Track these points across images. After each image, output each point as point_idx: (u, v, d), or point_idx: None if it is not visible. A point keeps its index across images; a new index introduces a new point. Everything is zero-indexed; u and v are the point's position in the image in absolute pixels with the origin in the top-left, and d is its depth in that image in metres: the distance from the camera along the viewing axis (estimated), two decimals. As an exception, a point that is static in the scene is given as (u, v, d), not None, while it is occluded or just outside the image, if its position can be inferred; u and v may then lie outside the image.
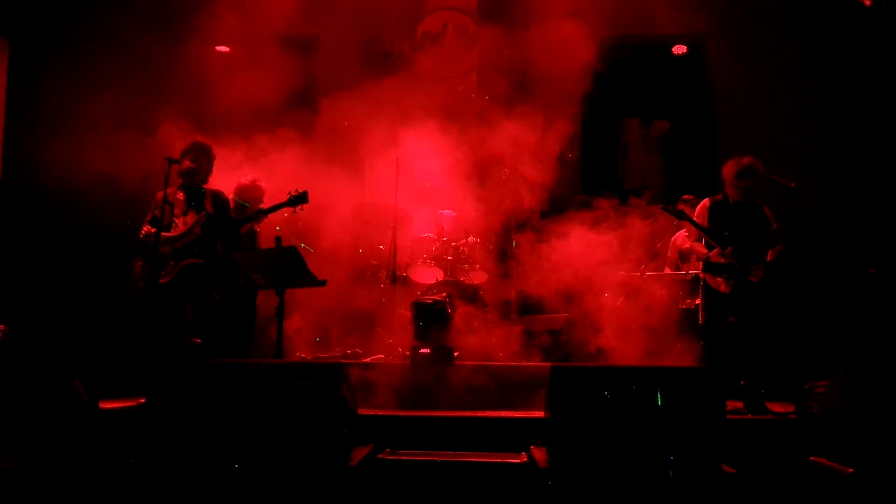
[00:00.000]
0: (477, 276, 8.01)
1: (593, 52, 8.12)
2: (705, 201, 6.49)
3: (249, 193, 6.99)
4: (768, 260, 6.19)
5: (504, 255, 8.46)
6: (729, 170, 6.32)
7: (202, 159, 6.27)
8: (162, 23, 8.65)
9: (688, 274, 7.35)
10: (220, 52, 8.80)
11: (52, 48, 8.58)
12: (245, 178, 7.07)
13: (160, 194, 6.04)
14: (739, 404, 6.02)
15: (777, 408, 5.94)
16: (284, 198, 6.13)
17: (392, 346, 7.39)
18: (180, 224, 6.22)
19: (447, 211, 8.31)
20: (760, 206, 6.33)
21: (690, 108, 9.77)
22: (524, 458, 4.76)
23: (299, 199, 6.02)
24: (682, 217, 6.35)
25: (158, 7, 8.95)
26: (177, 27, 8.44)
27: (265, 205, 6.70)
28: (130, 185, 7.56)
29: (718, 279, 6.26)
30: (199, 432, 4.20)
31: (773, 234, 6.31)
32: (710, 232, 6.27)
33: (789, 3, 9.14)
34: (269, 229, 6.99)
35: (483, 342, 7.45)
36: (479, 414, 5.74)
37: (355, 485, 4.27)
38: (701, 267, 6.50)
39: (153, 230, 5.94)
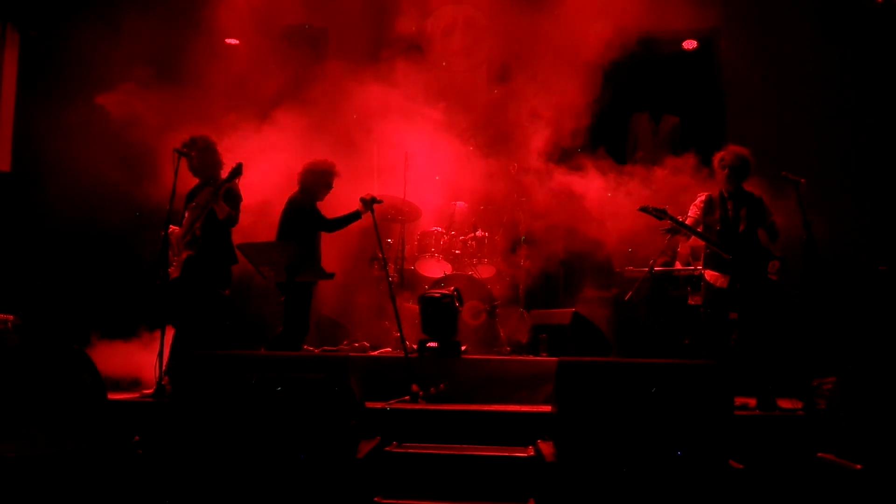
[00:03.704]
0: (485, 270, 8.01)
1: (603, 47, 8.10)
2: (702, 195, 6.45)
3: (312, 171, 7.03)
4: (777, 255, 6.16)
5: (513, 248, 8.46)
6: (714, 159, 6.32)
7: (198, 153, 6.32)
8: (172, 15, 8.66)
9: (696, 270, 7.32)
10: (230, 45, 8.81)
11: (63, 38, 8.59)
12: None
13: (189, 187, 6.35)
14: (749, 401, 6.00)
15: (785, 404, 5.93)
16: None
17: (399, 340, 7.40)
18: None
19: (460, 203, 8.31)
20: (759, 198, 6.26)
21: (700, 103, 9.71)
22: (531, 451, 4.77)
23: (235, 172, 6.08)
24: (664, 217, 6.26)
25: (169, -1, 8.98)
26: (187, 19, 8.45)
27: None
28: (139, 177, 7.59)
29: (716, 273, 6.23)
30: (208, 423, 4.22)
31: (772, 226, 6.24)
32: (691, 228, 6.23)
33: (800, -2, 9.11)
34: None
35: (490, 336, 7.46)
36: (487, 408, 5.74)
37: (362, 477, 4.28)
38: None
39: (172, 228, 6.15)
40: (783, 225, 6.32)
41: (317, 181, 6.97)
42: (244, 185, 6.39)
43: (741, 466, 4.17)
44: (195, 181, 6.45)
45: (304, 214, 6.82)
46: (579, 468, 4.10)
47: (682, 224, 6.21)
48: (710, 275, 6.26)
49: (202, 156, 6.33)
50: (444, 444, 5.06)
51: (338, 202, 7.22)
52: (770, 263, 6.11)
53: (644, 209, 6.30)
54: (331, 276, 6.69)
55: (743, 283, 6.09)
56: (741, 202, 6.22)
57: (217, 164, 6.43)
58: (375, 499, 4.51)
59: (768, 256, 6.14)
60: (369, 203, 6.77)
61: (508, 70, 8.99)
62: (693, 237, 6.54)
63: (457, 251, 7.95)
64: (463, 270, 7.84)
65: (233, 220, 6.21)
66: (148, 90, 7.94)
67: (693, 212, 6.36)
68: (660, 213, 6.25)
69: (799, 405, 5.81)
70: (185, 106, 7.67)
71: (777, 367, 6.21)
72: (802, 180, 6.09)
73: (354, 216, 6.91)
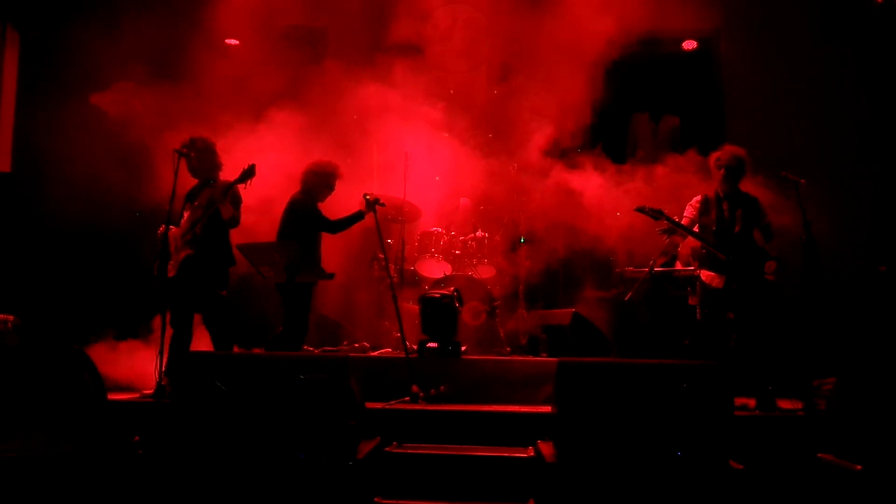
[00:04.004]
0: (485, 271, 8.00)
1: (604, 47, 8.10)
2: (698, 196, 6.45)
3: (314, 172, 7.00)
4: (773, 255, 6.17)
5: (513, 248, 8.45)
6: (710, 159, 6.33)
7: (198, 154, 6.33)
8: (172, 15, 8.66)
9: (696, 270, 7.32)
10: (229, 45, 8.81)
11: (63, 38, 8.59)
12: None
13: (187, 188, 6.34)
14: (749, 401, 5.99)
15: (785, 404, 5.93)
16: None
17: (399, 340, 7.40)
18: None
19: (464, 199, 8.32)
20: (755, 199, 6.28)
21: (700, 104, 9.71)
22: (531, 452, 4.77)
23: (248, 173, 6.06)
24: (660, 217, 6.25)
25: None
26: (186, 20, 8.45)
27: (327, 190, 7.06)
28: (139, 177, 7.59)
29: (712, 274, 6.23)
30: (208, 423, 4.22)
31: (767, 227, 6.25)
32: (687, 229, 6.22)
33: (800, -1, 9.12)
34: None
35: (490, 337, 7.46)
36: (487, 408, 5.74)
37: (362, 477, 4.28)
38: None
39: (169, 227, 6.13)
40: (784, 225, 6.32)
41: (319, 182, 6.96)
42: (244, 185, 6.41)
43: (741, 467, 4.16)
44: (193, 181, 6.44)
45: (305, 215, 6.81)
46: (579, 468, 4.09)
47: (678, 224, 6.21)
48: (706, 275, 6.26)
49: (201, 156, 6.33)
50: (444, 445, 5.05)
51: (337, 202, 7.22)
52: (767, 264, 6.12)
53: (640, 209, 6.30)
54: (331, 276, 6.70)
55: (739, 283, 6.10)
56: (737, 203, 6.23)
57: (216, 164, 6.43)
58: (375, 499, 4.50)
59: (764, 257, 6.15)
60: (372, 204, 6.75)
61: (508, 70, 8.98)
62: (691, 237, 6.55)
63: (457, 251, 7.94)
64: (463, 271, 7.83)
65: (236, 220, 6.23)
66: (147, 90, 7.94)
67: (689, 212, 6.36)
68: (656, 214, 6.25)
69: (799, 405, 5.81)
70: (185, 106, 7.67)
71: (777, 368, 6.20)
72: (802, 180, 6.09)
73: (357, 217, 6.90)
